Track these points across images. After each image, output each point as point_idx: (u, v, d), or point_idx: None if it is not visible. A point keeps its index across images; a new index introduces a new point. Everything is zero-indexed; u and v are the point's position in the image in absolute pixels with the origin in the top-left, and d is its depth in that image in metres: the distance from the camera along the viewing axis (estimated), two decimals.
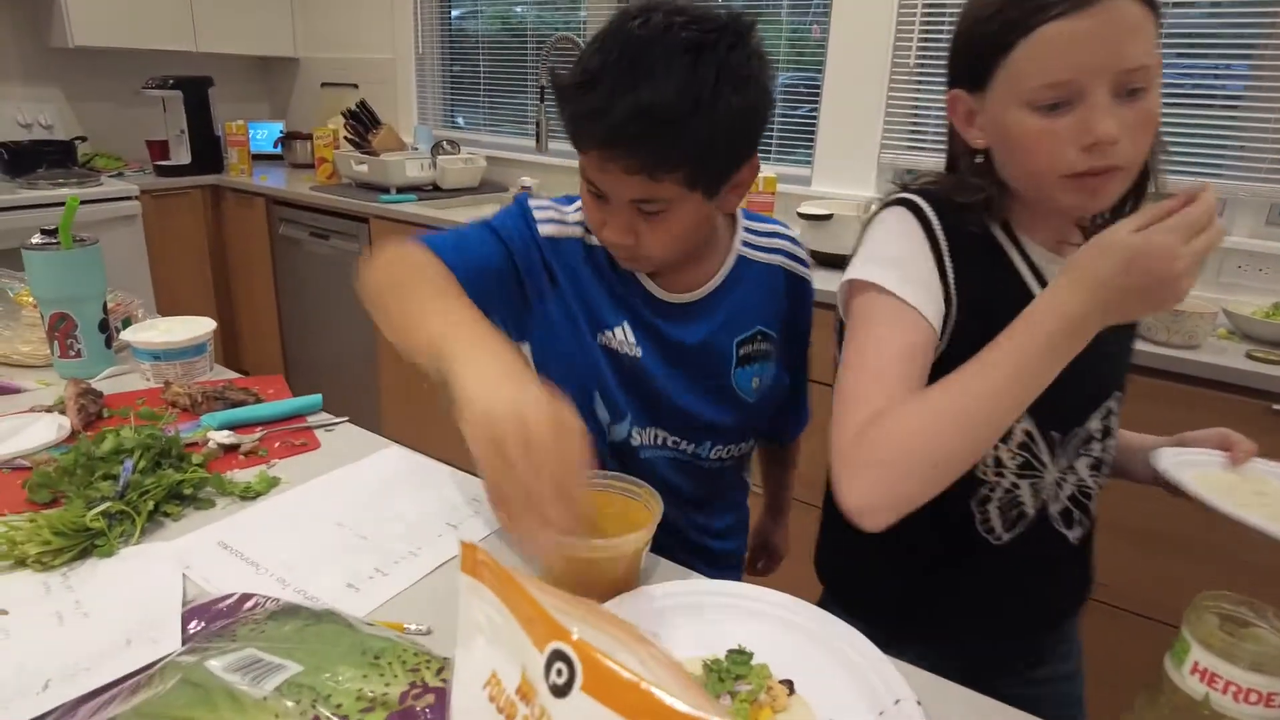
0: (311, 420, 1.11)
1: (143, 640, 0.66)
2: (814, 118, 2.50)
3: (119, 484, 0.85)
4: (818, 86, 2.47)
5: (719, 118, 0.77)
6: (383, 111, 3.19)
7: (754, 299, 0.98)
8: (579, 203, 0.96)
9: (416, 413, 2.80)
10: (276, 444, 1.04)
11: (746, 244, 0.99)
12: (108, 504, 0.81)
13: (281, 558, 0.80)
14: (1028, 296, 0.78)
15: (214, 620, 0.68)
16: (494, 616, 0.39)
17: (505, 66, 3.20)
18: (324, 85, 3.61)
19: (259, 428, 1.07)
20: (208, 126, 3.21)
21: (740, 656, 0.63)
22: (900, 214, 0.83)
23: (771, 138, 2.65)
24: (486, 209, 2.89)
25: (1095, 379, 0.85)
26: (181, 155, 3.19)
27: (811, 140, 2.52)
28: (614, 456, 1.00)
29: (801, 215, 2.09)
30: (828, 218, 2.06)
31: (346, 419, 1.12)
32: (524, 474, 0.56)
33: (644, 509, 0.77)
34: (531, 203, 0.97)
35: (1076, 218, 0.85)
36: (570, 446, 0.59)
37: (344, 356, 3.02)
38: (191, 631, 0.67)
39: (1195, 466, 0.85)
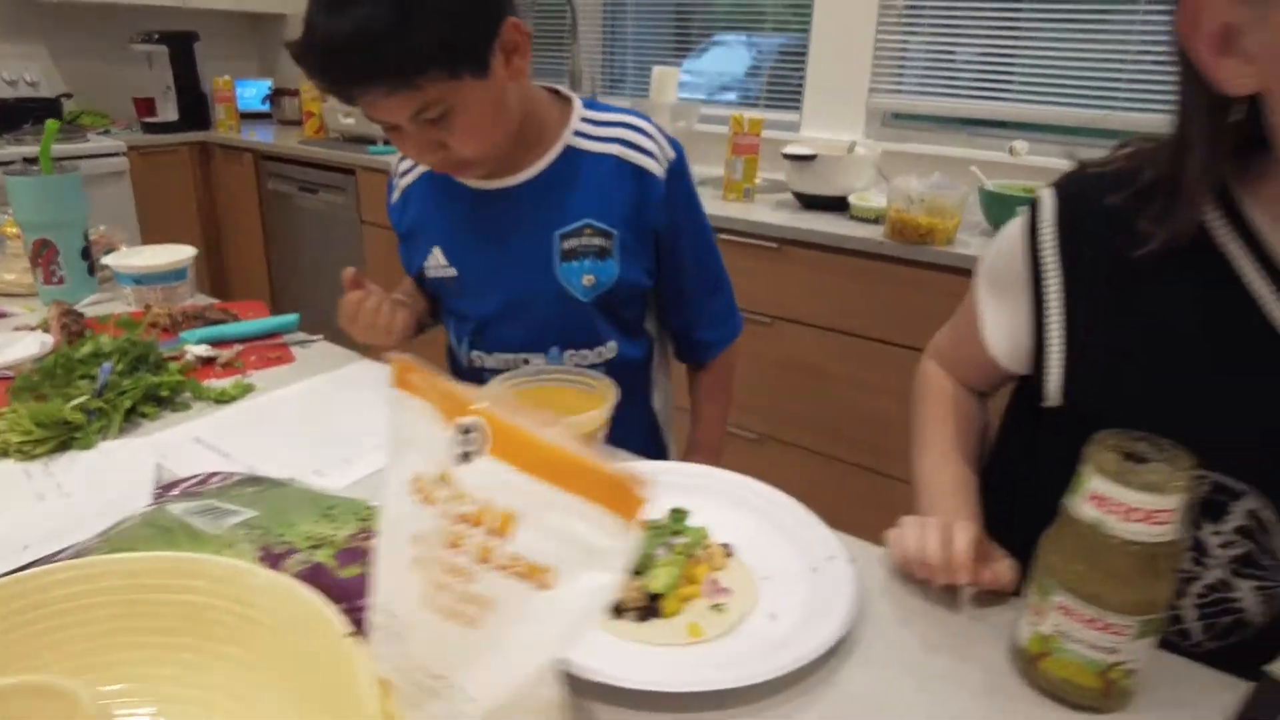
0: (288, 338, 1.14)
1: (116, 511, 0.70)
2: (803, 63, 2.50)
3: (97, 384, 0.88)
4: (808, 29, 2.46)
5: (429, 1, 0.76)
6: None
7: (583, 191, 0.95)
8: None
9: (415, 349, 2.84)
10: (253, 357, 1.07)
11: (579, 133, 0.96)
12: (84, 399, 0.84)
13: (253, 450, 0.84)
14: (1259, 321, 0.57)
15: (184, 493, 0.72)
16: (419, 422, 0.42)
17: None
18: None
19: (236, 344, 1.10)
20: (195, 83, 3.20)
21: (678, 514, 0.66)
22: (1021, 223, 0.68)
23: (761, 84, 2.65)
24: None
25: None
26: (169, 112, 3.19)
27: (800, 86, 2.52)
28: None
29: (786, 156, 2.10)
30: (811, 158, 2.07)
31: (321, 336, 1.15)
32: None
33: (600, 399, 0.80)
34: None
35: None
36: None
37: (335, 308, 3.04)
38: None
39: None
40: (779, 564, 0.66)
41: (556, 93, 1.00)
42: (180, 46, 3.14)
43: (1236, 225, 0.58)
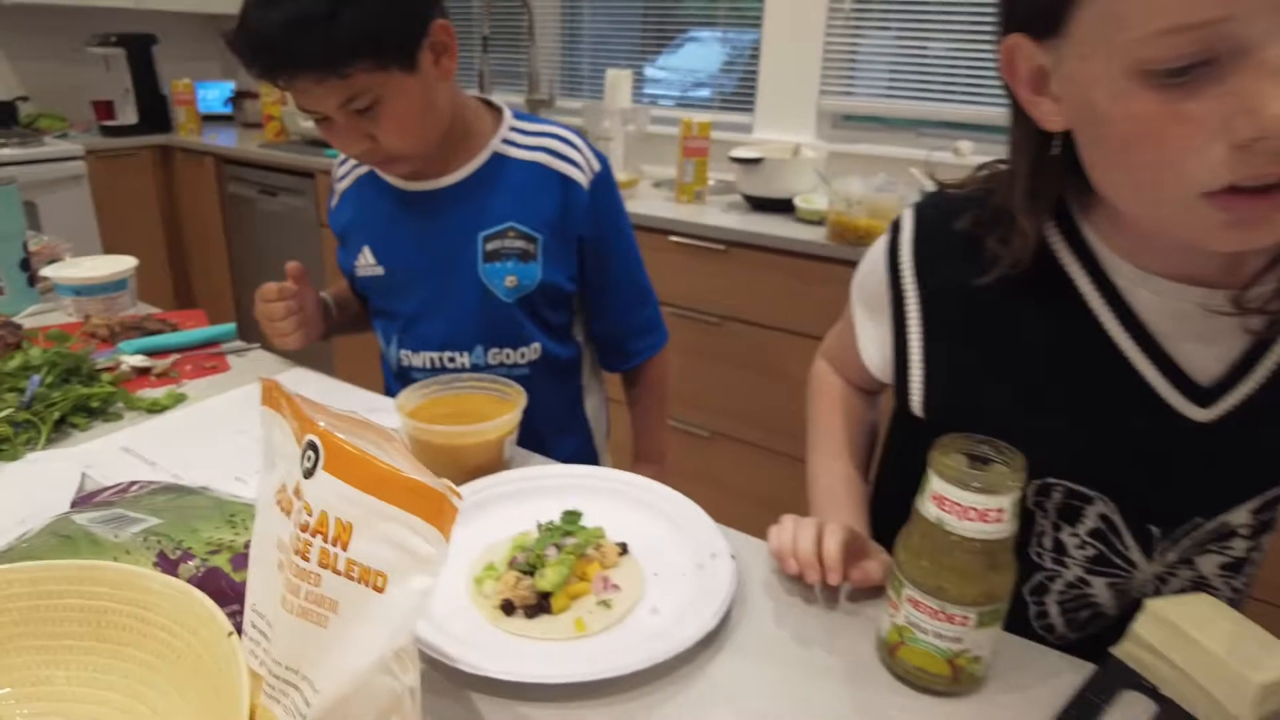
0: (225, 347, 1.16)
1: (36, 521, 0.72)
2: (755, 66, 2.54)
3: (25, 396, 0.90)
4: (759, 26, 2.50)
5: None
6: None
7: (508, 195, 0.99)
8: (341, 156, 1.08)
9: (368, 352, 2.85)
10: (188, 367, 1.09)
11: (507, 140, 1.01)
12: (10, 411, 0.87)
13: (178, 458, 0.86)
14: (1103, 340, 0.61)
15: (100, 503, 0.74)
16: (285, 439, 0.45)
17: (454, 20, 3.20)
18: None
19: (174, 354, 1.12)
20: (154, 85, 3.19)
21: (571, 515, 0.70)
22: (884, 243, 0.72)
23: (735, 80, 2.69)
24: None
25: (1252, 466, 0.64)
26: (128, 115, 3.18)
27: (753, 89, 2.56)
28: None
29: (733, 159, 2.14)
30: (758, 161, 2.11)
31: (258, 345, 1.17)
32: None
33: (511, 404, 0.84)
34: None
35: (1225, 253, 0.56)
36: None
37: None
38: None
39: None
40: (669, 561, 0.70)
41: (489, 104, 1.04)
42: (138, 49, 3.13)
43: (1075, 246, 0.62)
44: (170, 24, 3.46)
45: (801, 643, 0.64)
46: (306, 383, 1.07)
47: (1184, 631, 0.57)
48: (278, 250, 3.00)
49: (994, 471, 0.55)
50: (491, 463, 0.81)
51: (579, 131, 1.04)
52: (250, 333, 1.19)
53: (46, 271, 1.25)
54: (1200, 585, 0.69)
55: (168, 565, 0.56)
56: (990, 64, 0.58)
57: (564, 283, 1.03)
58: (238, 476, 0.83)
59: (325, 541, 0.39)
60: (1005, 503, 0.54)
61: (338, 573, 0.39)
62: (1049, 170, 0.58)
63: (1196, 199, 0.47)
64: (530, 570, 0.65)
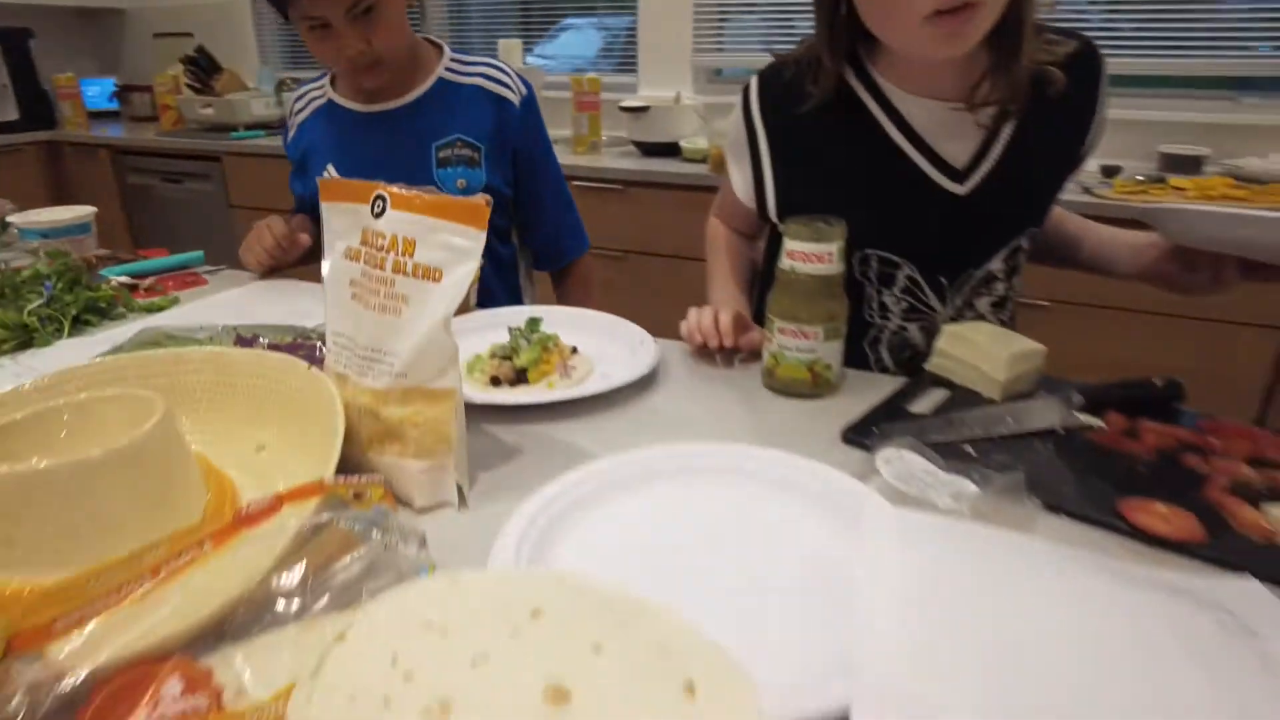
0: (197, 269, 1.32)
1: None
2: (632, 50, 2.79)
3: (44, 297, 1.05)
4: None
5: None
6: (222, 58, 3.24)
7: (454, 112, 1.22)
8: (305, 89, 1.30)
9: None
10: (170, 283, 1.25)
11: (449, 69, 1.24)
12: (37, 304, 1.02)
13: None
14: (888, 143, 0.88)
15: None
16: (343, 216, 0.66)
17: None
18: (156, 36, 3.59)
19: (151, 277, 1.27)
20: (33, 80, 3.17)
21: (534, 321, 0.93)
22: (738, 100, 0.97)
23: (613, 64, 2.93)
24: None
25: (1000, 223, 0.91)
26: (8, 111, 3.15)
27: (633, 69, 2.81)
28: None
29: (623, 109, 2.39)
30: (645, 110, 2.37)
31: (225, 266, 1.33)
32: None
33: None
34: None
35: (945, 62, 0.82)
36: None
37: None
38: None
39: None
40: (610, 351, 0.94)
41: (431, 41, 1.27)
42: (13, 43, 3.10)
43: (865, 82, 0.90)
44: (43, 18, 3.42)
45: (709, 381, 0.89)
46: (280, 288, 1.24)
47: (964, 336, 0.86)
48: (187, 234, 3.06)
49: (823, 228, 0.81)
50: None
51: (504, 63, 1.27)
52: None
53: (13, 219, 1.37)
54: (980, 320, 0.97)
55: (245, 343, 0.75)
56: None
57: (502, 187, 1.26)
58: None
59: (397, 254, 0.60)
60: (833, 248, 0.80)
61: (407, 275, 0.60)
62: (839, 27, 0.86)
63: (919, 23, 0.74)
64: (509, 355, 0.87)
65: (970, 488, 0.61)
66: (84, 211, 1.40)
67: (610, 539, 0.59)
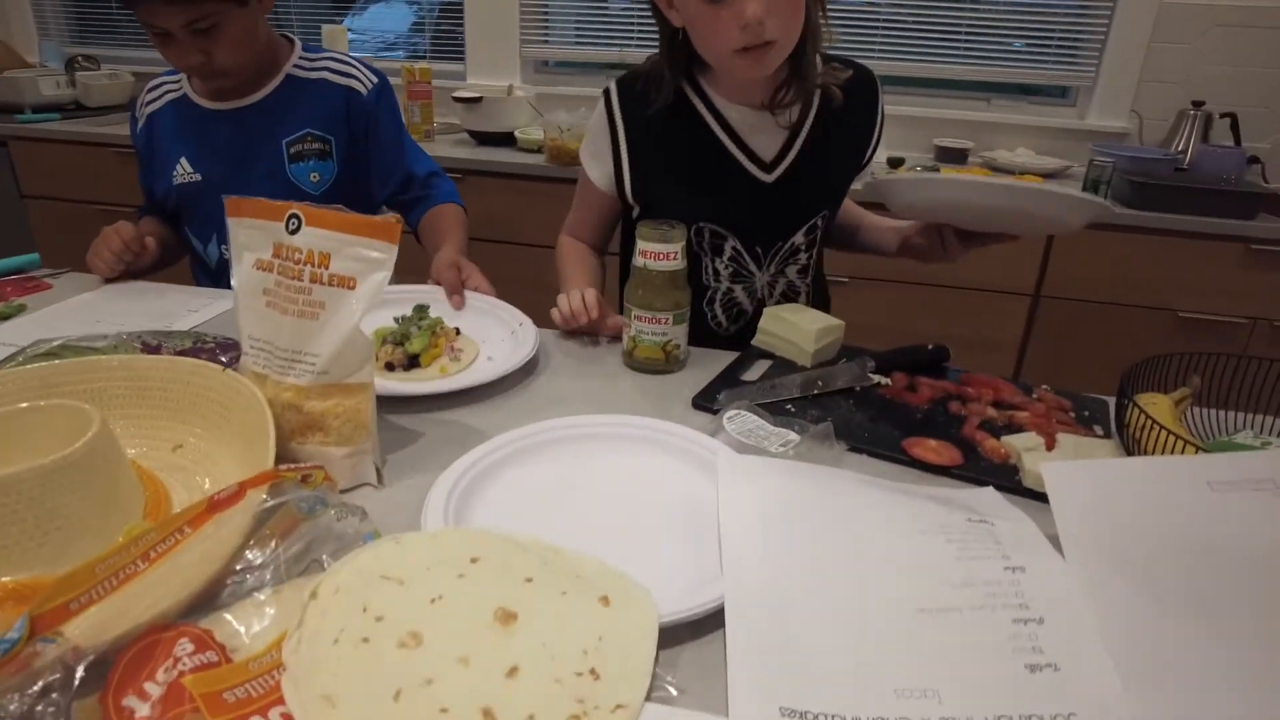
0: (37, 273, 1.27)
1: None
2: (461, 17, 2.82)
3: None
4: None
5: None
6: None
7: (302, 108, 1.27)
8: (160, 80, 1.30)
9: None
10: (8, 289, 1.20)
11: (297, 65, 1.29)
12: None
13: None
14: (714, 140, 1.10)
15: None
16: (252, 231, 0.73)
17: None
18: None
19: None
20: None
21: (420, 308, 1.02)
22: (600, 105, 1.15)
23: (425, 40, 2.93)
24: None
25: (800, 205, 1.15)
26: None
27: (462, 39, 2.84)
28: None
29: (456, 99, 2.43)
30: (478, 100, 2.43)
31: (69, 268, 1.29)
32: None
33: None
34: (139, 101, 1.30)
35: (753, 80, 1.03)
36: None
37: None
38: None
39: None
40: (492, 333, 1.05)
41: (286, 37, 1.31)
42: None
43: (698, 92, 1.11)
44: None
45: (582, 362, 1.03)
46: (135, 291, 1.23)
47: (781, 316, 1.04)
48: None
49: (668, 230, 0.97)
50: None
51: (352, 55, 1.32)
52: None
53: None
54: (790, 284, 1.21)
55: (151, 350, 0.80)
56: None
57: (359, 175, 1.32)
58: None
59: (314, 266, 0.69)
60: (677, 248, 0.96)
61: (323, 284, 0.69)
62: (677, 49, 1.06)
63: (731, 54, 0.95)
64: (400, 341, 0.96)
65: (793, 437, 0.78)
66: None
67: (519, 499, 0.71)
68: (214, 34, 1.11)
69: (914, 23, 2.59)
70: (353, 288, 0.70)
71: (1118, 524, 0.62)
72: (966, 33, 2.56)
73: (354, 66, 1.31)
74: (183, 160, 1.25)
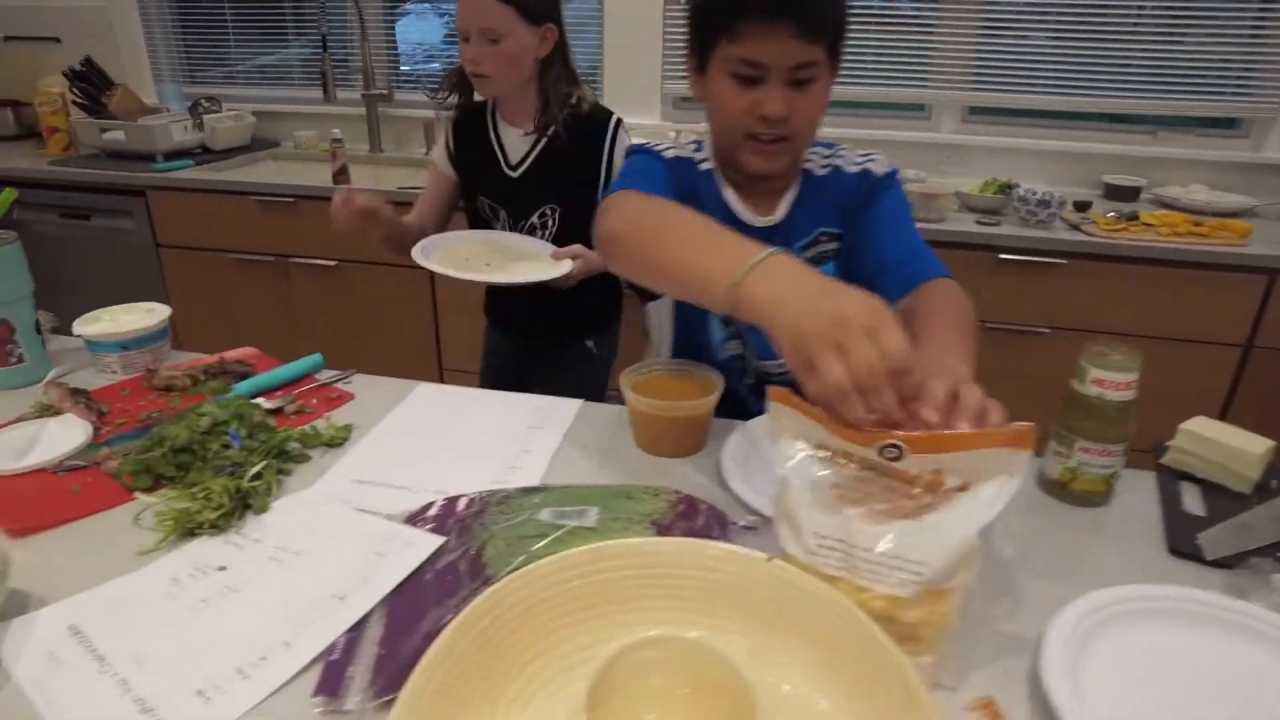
0: (323, 377, 1.18)
1: (395, 550, 0.78)
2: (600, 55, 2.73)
3: (237, 449, 0.92)
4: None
5: None
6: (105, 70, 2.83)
7: (814, 208, 1.09)
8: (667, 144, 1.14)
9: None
10: (314, 401, 1.11)
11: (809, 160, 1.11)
12: (259, 466, 0.89)
13: (423, 476, 0.93)
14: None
15: (440, 520, 0.82)
16: (795, 422, 0.65)
17: (257, 16, 3.00)
18: (8, 39, 3.07)
19: (279, 392, 1.13)
20: None
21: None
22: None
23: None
24: (263, 167, 2.77)
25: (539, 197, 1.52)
26: None
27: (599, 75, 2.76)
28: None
29: None
30: None
31: (354, 370, 1.21)
32: (862, 358, 0.60)
33: (713, 383, 1.01)
34: (645, 146, 1.13)
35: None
36: (895, 334, 0.61)
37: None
38: (428, 528, 0.81)
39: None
40: None
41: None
42: None
43: (493, 121, 1.51)
44: None
45: None
46: (437, 393, 1.14)
47: (1203, 435, 0.95)
48: (102, 278, 2.66)
49: (1123, 356, 0.88)
50: (700, 433, 1.00)
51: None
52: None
53: (80, 330, 1.16)
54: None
55: (662, 530, 0.71)
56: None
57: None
58: (495, 480, 0.92)
59: (922, 488, 0.61)
60: (1133, 376, 0.87)
61: (935, 494, 0.61)
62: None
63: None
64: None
65: None
66: (158, 312, 1.22)
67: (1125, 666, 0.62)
68: (807, 89, 0.95)
69: (1083, 55, 2.50)
70: (965, 489, 0.61)
71: None
72: (1138, 64, 2.47)
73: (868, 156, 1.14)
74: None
